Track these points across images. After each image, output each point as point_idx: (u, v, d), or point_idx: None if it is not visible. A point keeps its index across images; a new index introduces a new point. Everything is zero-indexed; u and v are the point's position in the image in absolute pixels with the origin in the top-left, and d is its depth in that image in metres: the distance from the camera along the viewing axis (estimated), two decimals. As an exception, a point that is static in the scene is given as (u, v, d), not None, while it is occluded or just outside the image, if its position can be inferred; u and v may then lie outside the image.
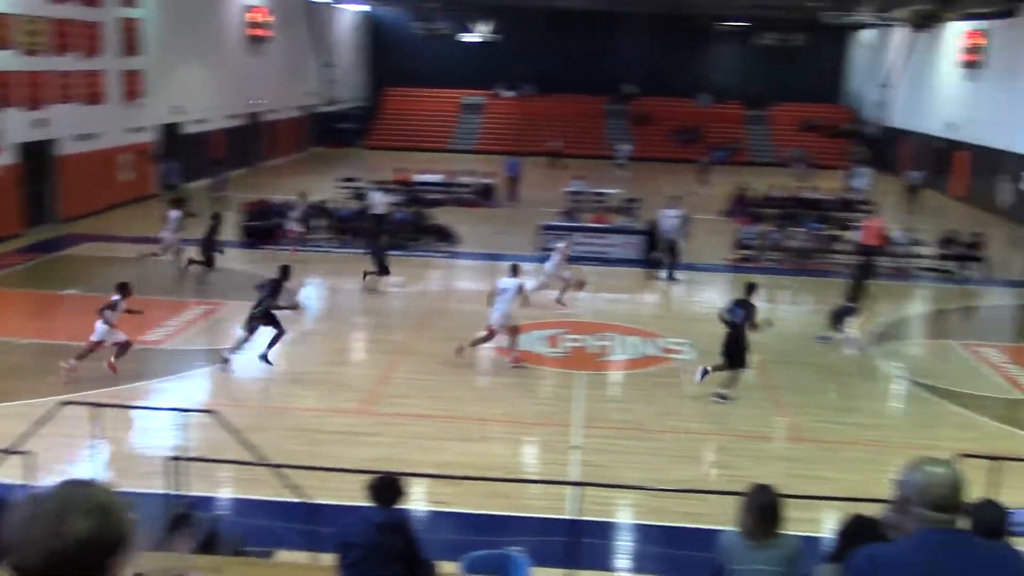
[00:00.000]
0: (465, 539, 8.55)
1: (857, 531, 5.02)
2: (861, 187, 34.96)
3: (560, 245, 19.36)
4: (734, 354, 13.72)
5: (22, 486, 8.51)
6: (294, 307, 15.38)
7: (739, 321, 13.65)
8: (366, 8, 50.64)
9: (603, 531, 9.87)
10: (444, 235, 24.63)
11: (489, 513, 10.10)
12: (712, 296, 21.02)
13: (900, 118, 43.98)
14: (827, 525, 9.00)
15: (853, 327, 16.87)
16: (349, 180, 31.51)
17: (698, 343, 16.68)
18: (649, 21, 48.17)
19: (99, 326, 13.77)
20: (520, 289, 15.11)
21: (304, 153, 44.55)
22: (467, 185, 32.45)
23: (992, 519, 5.54)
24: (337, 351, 15.83)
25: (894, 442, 12.68)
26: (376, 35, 52.60)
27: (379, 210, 24.98)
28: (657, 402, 13.87)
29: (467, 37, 47.16)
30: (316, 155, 44.90)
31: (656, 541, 9.85)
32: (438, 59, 49.91)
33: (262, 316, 14.51)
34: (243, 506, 10.06)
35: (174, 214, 20.90)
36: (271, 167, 39.68)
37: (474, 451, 11.81)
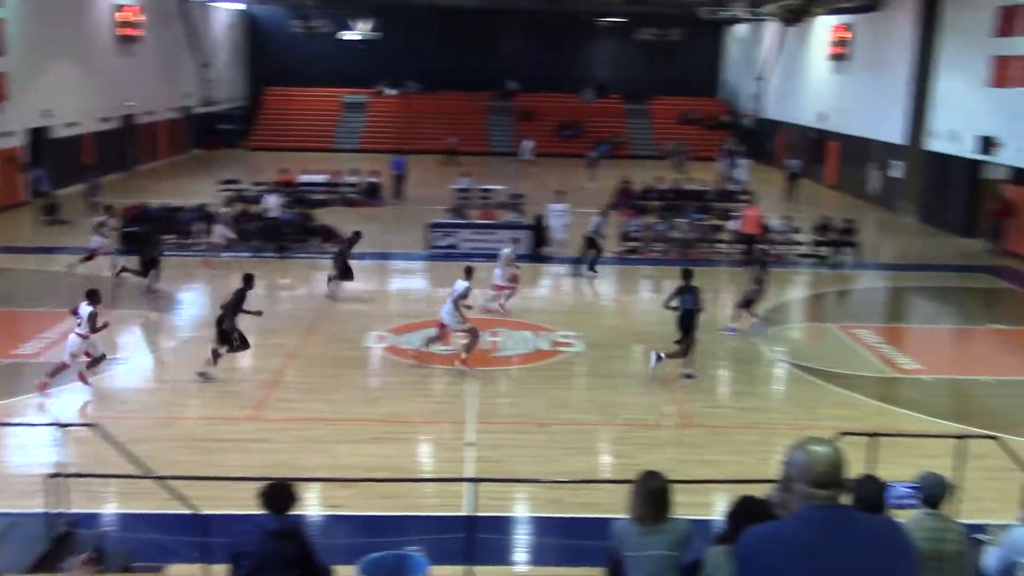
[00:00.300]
0: (362, 541, 8.46)
1: (746, 512, 5.15)
2: (741, 177, 35.95)
3: (505, 251, 18.91)
4: (687, 335, 14.65)
5: None
6: (258, 313, 14.73)
7: (691, 306, 14.63)
8: (242, 7, 49.58)
9: (501, 526, 9.90)
10: (330, 236, 24.30)
11: (385, 514, 10.03)
12: (601, 289, 21.32)
13: (775, 110, 45.39)
14: (717, 508, 9.23)
15: (745, 316, 17.31)
16: (231, 182, 30.81)
17: (588, 335, 16.89)
18: (530, 17, 48.55)
19: (74, 340, 13.18)
20: (467, 292, 14.97)
21: (183, 155, 43.37)
22: (352, 185, 32.10)
23: (872, 494, 5.76)
24: (224, 357, 15.46)
25: (779, 424, 13.09)
26: (253, 34, 51.59)
27: (274, 213, 24.46)
28: (548, 395, 13.98)
29: (347, 35, 46.61)
30: (196, 157, 43.76)
31: (553, 533, 9.93)
32: (318, 58, 49.25)
33: (234, 328, 14.17)
34: (130, 521, 9.74)
35: (99, 220, 20.60)
36: (149, 170, 38.49)
37: (368, 452, 11.70)
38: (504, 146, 46.93)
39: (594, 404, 13.75)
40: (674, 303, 14.75)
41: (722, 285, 21.78)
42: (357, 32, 46.48)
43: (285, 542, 6.04)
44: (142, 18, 37.76)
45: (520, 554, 9.75)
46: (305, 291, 20.45)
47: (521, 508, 10.50)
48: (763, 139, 46.24)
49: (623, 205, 29.86)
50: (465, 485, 10.14)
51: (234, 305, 14.26)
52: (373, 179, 32.16)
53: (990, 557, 5.30)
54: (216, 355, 14.17)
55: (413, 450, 12.18)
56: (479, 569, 8.30)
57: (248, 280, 14.66)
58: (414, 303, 19.48)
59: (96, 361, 13.50)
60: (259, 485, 6.30)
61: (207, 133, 45.89)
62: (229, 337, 14.23)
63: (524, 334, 17.02)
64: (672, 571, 5.52)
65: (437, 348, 15.27)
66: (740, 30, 49.52)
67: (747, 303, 17.36)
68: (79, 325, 13.24)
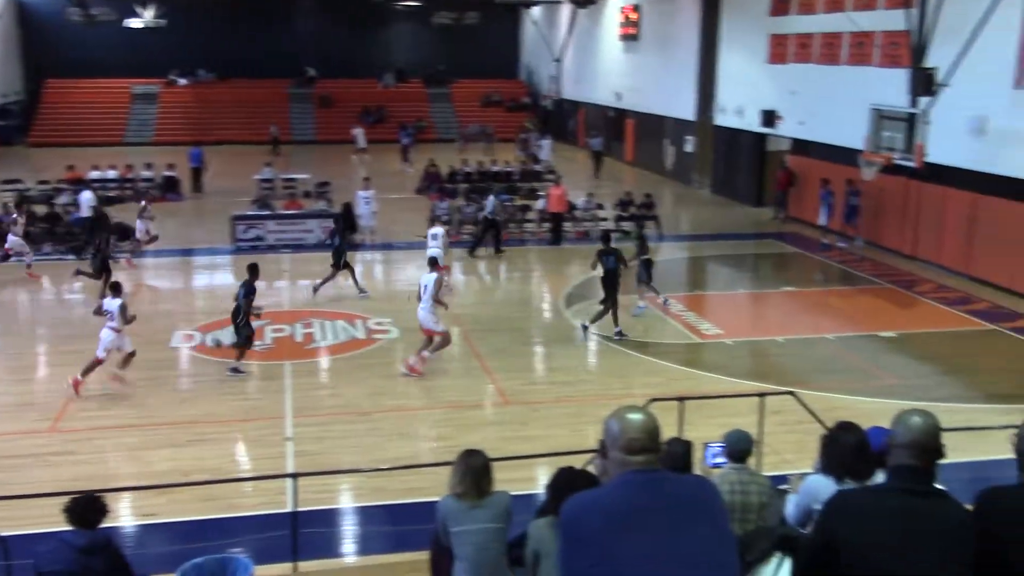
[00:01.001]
0: (183, 548, 8.18)
1: (564, 483, 5.31)
2: (545, 157, 36.71)
3: (441, 231, 19.47)
4: (610, 295, 15.89)
5: None
6: (260, 309, 14.76)
7: (613, 267, 15.85)
8: (12, -7, 46.24)
9: (325, 519, 9.79)
10: (126, 233, 23.14)
11: (205, 518, 9.72)
12: (412, 273, 21.26)
13: (574, 90, 46.46)
14: (539, 481, 9.45)
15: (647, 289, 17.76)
16: (12, 182, 28.81)
17: (401, 320, 16.85)
18: (326, 1, 47.67)
19: (108, 335, 13.22)
20: (440, 283, 14.42)
21: (-45, 155, 40.19)
22: (148, 179, 30.67)
23: (678, 454, 6.04)
24: (15, 369, 14.53)
25: (593, 395, 13.50)
26: (28, 23, 48.16)
27: (86, 212, 23.04)
28: (368, 383, 13.90)
29: (133, 23, 44.29)
30: (-30, 157, 40.66)
31: (379, 521, 9.91)
32: (103, 47, 46.52)
33: (247, 322, 14.19)
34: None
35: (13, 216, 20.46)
36: (-84, 173, 35.43)
37: (183, 456, 11.29)
38: (307, 134, 46.00)
39: (414, 389, 13.76)
40: (601, 265, 15.95)
41: (532, 263, 22.23)
42: (142, 20, 44.22)
43: (94, 557, 5.81)
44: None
45: (347, 545, 9.67)
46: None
47: (345, 499, 10.41)
48: (565, 119, 47.29)
49: (430, 188, 29.91)
50: (287, 481, 9.94)
51: (250, 300, 14.19)
52: (169, 172, 30.80)
53: (790, 505, 5.66)
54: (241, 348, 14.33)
55: (230, 450, 11.83)
56: (305, 564, 8.18)
57: (254, 270, 14.59)
58: (222, 299, 18.84)
59: (129, 357, 13.48)
60: (64, 500, 6.01)
61: (-19, 130, 42.72)
62: (243, 332, 14.21)
63: (339, 323, 16.82)
64: (499, 543, 5.65)
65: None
66: (535, 12, 50.36)
67: (647, 276, 17.63)
68: (111, 319, 13.28)
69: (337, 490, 10.47)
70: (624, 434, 3.23)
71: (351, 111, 47.08)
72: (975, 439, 10.59)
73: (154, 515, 9.79)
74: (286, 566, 8.05)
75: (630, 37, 38.70)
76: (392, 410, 12.93)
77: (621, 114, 40.17)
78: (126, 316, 13.33)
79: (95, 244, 19.06)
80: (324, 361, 15.07)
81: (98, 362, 13.33)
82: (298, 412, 12.74)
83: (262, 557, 8.04)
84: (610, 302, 15.97)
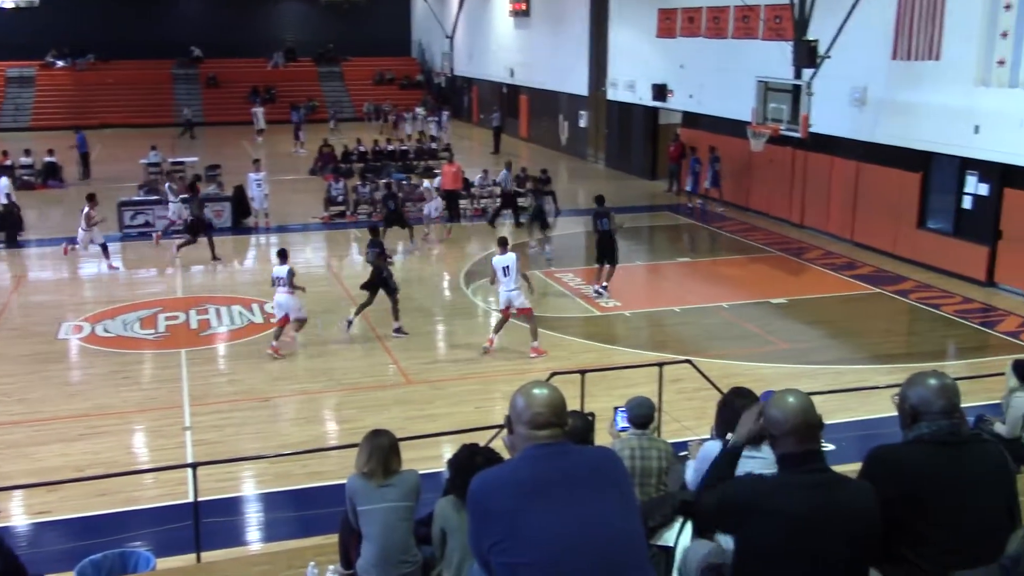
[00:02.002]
0: (81, 545, 7.95)
1: (465, 460, 5.35)
2: (439, 134, 36.55)
3: (431, 184, 22.15)
4: (609, 254, 16.94)
5: None
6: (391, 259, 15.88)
7: (607, 228, 16.89)
8: None
9: (230, 507, 9.62)
10: (3, 223, 22.17)
11: (102, 513, 9.45)
12: (309, 256, 20.98)
13: (467, 67, 46.31)
14: (446, 459, 9.48)
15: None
16: None
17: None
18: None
19: (287, 299, 14.04)
20: (518, 260, 14.33)
21: None
22: (27, 166, 29.44)
23: (579, 430, 6.13)
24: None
25: (496, 371, 13.56)
26: None
27: (3, 198, 21.93)
28: (267, 368, 13.69)
29: (4, 2, 42.29)
30: None
31: (284, 507, 9.80)
32: (-28, 29, 44.46)
33: (390, 277, 14.96)
34: None
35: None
36: None
37: (75, 451, 10.96)
38: (194, 116, 44.81)
39: (315, 372, 13.62)
40: (598, 227, 17.03)
41: (430, 241, 22.13)
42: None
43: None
44: None
45: (252, 533, 9.54)
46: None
47: (248, 487, 10.25)
48: (459, 96, 47.10)
49: (324, 169, 29.51)
50: (188, 471, 9.75)
51: (382, 258, 15.01)
52: (50, 159, 29.61)
53: (690, 471, 5.80)
54: (396, 311, 15.00)
55: (126, 442, 11.51)
56: (208, 555, 8.04)
57: (375, 232, 15.98)
58: (111, 288, 18.32)
59: (300, 323, 14.48)
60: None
61: None
62: (393, 286, 14.98)
63: (235, 308, 16.50)
64: (406, 522, 5.67)
65: (142, 332, 14.45)
66: (426, -11, 50.02)
67: (543, 226, 20.12)
68: (281, 284, 14.06)
69: (240, 478, 10.30)
70: (529, 409, 3.26)
71: (240, 92, 46.06)
72: (863, 398, 11.04)
73: (48, 512, 9.49)
74: (189, 557, 7.90)
75: (521, 13, 38.70)
76: (293, 394, 12.77)
77: (514, 90, 40.22)
78: (292, 281, 14.07)
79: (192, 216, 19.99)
80: (221, 347, 14.78)
81: (283, 323, 14.23)
82: (196, 400, 12.48)
83: (164, 550, 7.88)
84: (612, 261, 16.98)
